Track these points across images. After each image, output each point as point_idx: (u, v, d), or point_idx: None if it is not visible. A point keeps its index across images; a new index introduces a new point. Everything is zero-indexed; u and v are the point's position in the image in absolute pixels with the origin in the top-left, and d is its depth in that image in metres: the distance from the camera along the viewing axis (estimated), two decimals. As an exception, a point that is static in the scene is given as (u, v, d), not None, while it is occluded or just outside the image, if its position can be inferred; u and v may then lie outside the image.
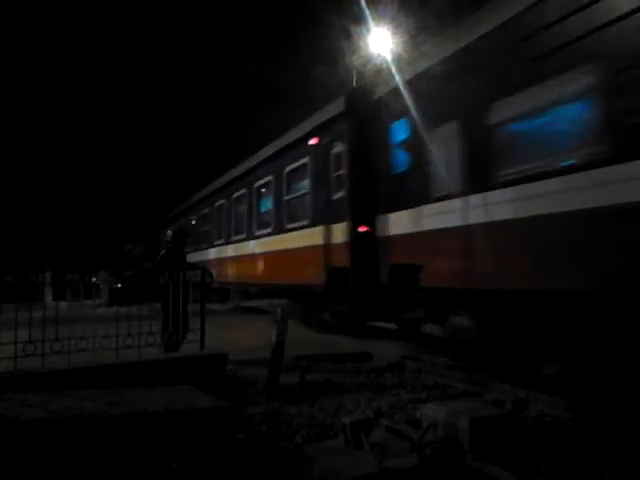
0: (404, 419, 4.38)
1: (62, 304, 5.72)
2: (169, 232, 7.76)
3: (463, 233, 6.27)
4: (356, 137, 8.83)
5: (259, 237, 12.96)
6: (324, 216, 9.51)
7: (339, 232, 9.02)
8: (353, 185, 8.82)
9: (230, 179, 15.71)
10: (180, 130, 38.16)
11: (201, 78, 43.97)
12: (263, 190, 13.04)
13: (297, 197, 11.00)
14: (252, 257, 13.32)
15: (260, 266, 12.77)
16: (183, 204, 22.12)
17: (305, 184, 10.57)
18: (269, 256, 12.21)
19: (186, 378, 5.26)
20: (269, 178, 12.42)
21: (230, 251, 15.29)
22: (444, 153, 6.67)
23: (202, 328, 6.24)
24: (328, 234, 9.34)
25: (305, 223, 10.37)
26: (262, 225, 12.84)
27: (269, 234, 12.23)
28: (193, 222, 19.71)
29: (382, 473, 3.11)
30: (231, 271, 15.22)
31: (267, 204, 12.69)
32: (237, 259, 14.68)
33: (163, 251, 7.56)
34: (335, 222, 9.15)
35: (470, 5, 6.89)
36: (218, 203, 16.72)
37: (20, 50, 41.97)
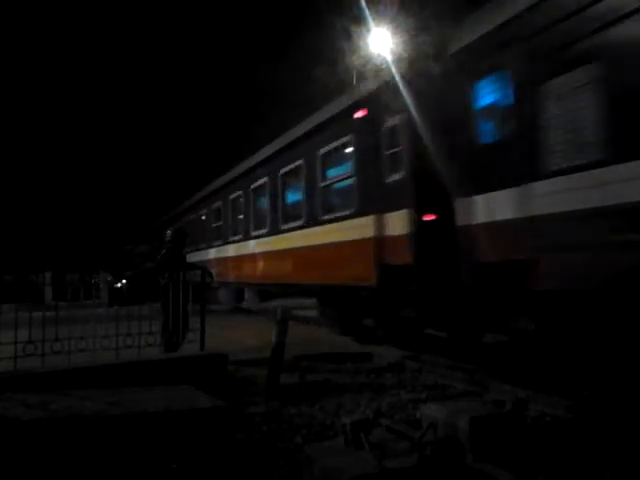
0: (404, 419, 4.38)
1: (62, 304, 5.72)
2: (168, 232, 7.75)
3: (617, 215, 4.59)
4: (421, 105, 7.06)
5: (285, 231, 11.31)
6: (374, 204, 7.99)
7: (396, 222, 7.49)
8: (416, 164, 7.17)
9: (248, 167, 13.91)
10: (181, 129, 38.22)
11: (201, 78, 43.98)
12: (291, 177, 11.27)
13: (336, 183, 9.46)
14: (275, 254, 11.80)
15: (285, 264, 11.19)
16: (190, 199, 20.64)
17: (347, 167, 9.00)
18: (297, 252, 10.62)
19: (186, 378, 5.25)
20: (299, 162, 10.66)
21: (248, 248, 13.67)
22: (569, 112, 5.07)
23: (202, 328, 6.23)
24: (380, 225, 7.84)
25: (347, 213, 8.80)
26: (289, 217, 11.21)
27: (298, 227, 10.61)
28: (203, 218, 18.24)
29: (382, 473, 3.11)
30: (249, 270, 13.63)
31: (296, 193, 11.05)
32: (256, 256, 13.09)
33: (163, 251, 7.57)
34: (390, 210, 7.64)
35: (469, 5, 6.82)
36: (233, 195, 14.94)
37: (20, 50, 42.00)
